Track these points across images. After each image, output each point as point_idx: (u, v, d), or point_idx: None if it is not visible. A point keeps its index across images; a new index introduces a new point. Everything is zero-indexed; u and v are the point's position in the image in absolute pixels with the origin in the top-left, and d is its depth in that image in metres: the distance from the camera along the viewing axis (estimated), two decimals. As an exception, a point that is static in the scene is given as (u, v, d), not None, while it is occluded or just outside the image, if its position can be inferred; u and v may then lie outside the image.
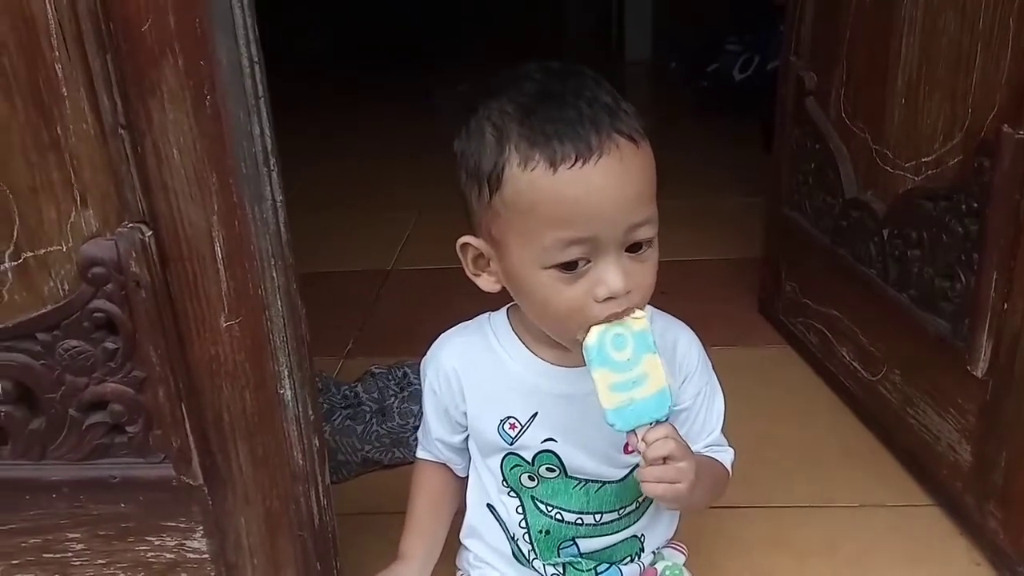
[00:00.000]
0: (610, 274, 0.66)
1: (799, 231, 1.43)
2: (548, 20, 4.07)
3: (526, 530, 0.82)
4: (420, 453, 0.89)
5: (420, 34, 3.60)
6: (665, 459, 0.68)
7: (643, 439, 0.68)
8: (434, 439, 0.85)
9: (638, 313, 0.68)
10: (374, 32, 3.53)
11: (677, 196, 2.16)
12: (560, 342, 0.73)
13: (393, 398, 1.34)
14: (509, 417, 0.78)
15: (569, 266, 0.66)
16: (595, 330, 0.67)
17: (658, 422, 0.69)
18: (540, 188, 0.64)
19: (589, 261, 0.66)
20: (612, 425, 0.68)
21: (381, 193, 2.34)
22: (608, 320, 0.67)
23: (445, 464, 0.87)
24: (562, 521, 0.81)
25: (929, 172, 1.08)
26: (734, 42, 2.72)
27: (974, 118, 0.99)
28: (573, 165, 0.63)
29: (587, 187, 0.64)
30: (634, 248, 0.67)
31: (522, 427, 0.77)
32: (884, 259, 1.18)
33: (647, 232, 0.67)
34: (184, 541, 0.89)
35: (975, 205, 0.98)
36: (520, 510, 0.82)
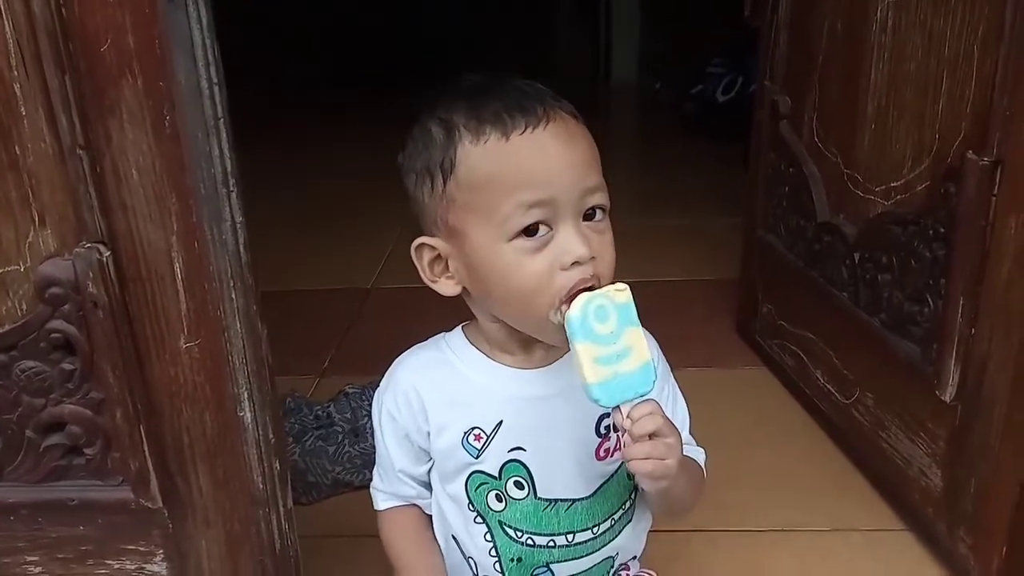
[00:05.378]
0: (572, 240, 0.67)
1: (775, 254, 1.44)
2: (537, 43, 4.10)
3: (497, 559, 0.80)
4: (382, 502, 0.84)
5: (410, 57, 3.63)
6: (651, 435, 0.67)
7: (628, 416, 0.67)
8: (397, 471, 0.81)
9: (620, 285, 0.67)
10: (365, 57, 3.56)
11: (660, 216, 2.20)
12: (528, 332, 0.72)
13: (366, 418, 1.33)
14: (474, 428, 0.76)
15: (531, 232, 0.67)
16: (578, 301, 0.66)
17: (642, 398, 0.68)
18: (495, 158, 0.66)
19: (550, 228, 0.67)
20: (596, 400, 0.67)
21: (363, 211, 2.34)
22: (582, 290, 0.67)
23: (413, 504, 0.84)
24: (534, 546, 0.79)
25: (898, 197, 1.09)
26: (718, 64, 2.75)
27: (941, 144, 1.00)
28: (524, 131, 0.66)
29: (542, 149, 0.66)
30: (589, 216, 0.69)
31: (488, 437, 0.76)
32: (856, 283, 1.19)
33: (600, 198, 0.69)
34: (144, 565, 0.88)
35: (942, 230, 0.98)
36: (489, 537, 0.80)
